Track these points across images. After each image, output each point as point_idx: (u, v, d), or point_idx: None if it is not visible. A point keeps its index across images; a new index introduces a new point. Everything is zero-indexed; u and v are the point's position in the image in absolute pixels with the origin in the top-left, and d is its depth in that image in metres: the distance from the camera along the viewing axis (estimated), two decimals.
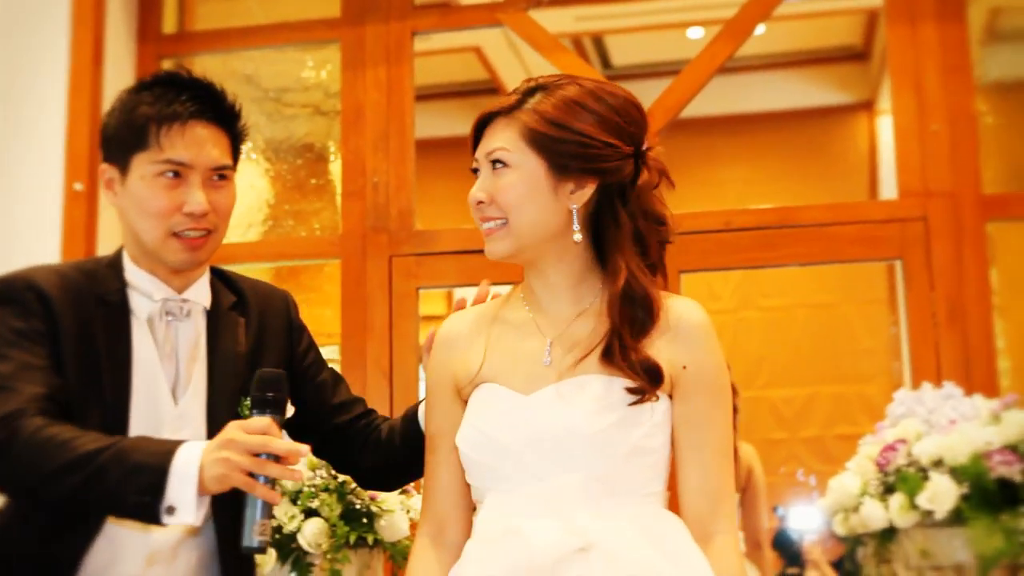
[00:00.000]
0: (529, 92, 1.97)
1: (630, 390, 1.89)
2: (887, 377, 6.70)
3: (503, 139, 1.95)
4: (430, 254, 4.15)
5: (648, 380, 1.89)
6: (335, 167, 4.47)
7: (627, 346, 1.91)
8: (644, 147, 1.98)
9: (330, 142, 4.55)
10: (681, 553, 1.85)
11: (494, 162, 1.95)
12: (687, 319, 1.97)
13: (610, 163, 1.94)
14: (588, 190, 1.95)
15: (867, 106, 7.38)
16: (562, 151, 1.92)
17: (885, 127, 6.85)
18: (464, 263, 4.05)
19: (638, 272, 1.96)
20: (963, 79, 3.98)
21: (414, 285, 4.15)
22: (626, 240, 1.96)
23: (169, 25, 4.61)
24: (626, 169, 1.95)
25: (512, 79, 6.92)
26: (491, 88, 7.11)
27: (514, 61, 6.75)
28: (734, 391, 4.64)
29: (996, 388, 3.64)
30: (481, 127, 2.00)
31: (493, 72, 6.90)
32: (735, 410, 4.66)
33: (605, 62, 7.35)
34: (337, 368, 4.14)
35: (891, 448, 2.87)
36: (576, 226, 1.95)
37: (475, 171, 2.00)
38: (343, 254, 4.23)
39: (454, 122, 7.12)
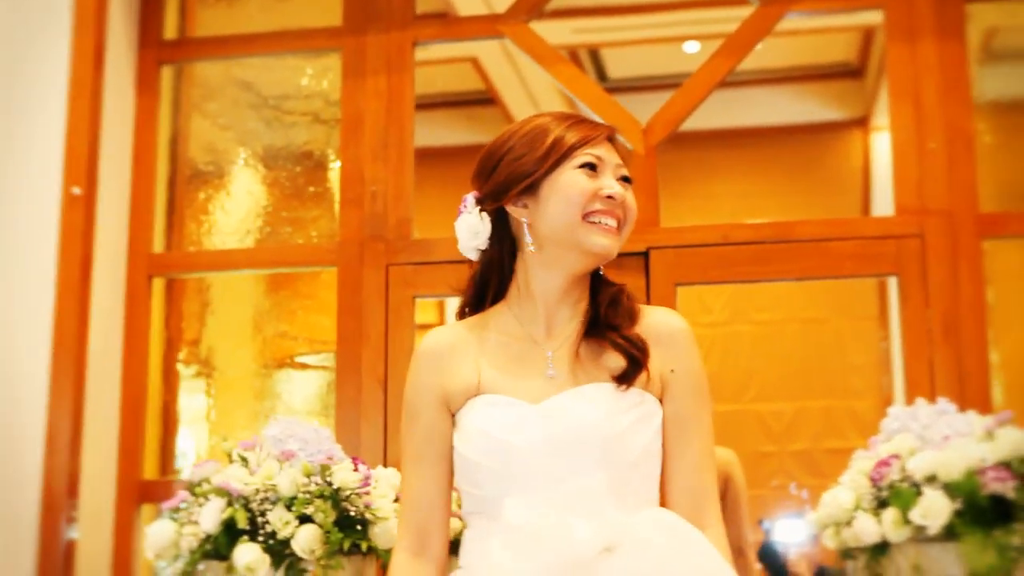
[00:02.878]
0: None
1: (618, 377, 1.97)
2: (877, 392, 6.74)
3: (622, 161, 2.09)
4: (427, 263, 4.15)
5: (637, 350, 1.99)
6: (334, 175, 4.48)
7: (612, 324, 2.03)
8: None
9: (329, 150, 4.56)
10: (701, 547, 1.89)
11: (624, 177, 2.08)
12: (669, 325, 2.08)
13: None
14: None
15: (862, 122, 7.41)
16: None
17: (879, 143, 6.89)
18: (461, 273, 4.04)
19: (626, 287, 2.11)
20: (961, 97, 4.00)
21: (411, 294, 4.16)
22: None
23: (170, 31, 4.61)
24: None
25: (508, 90, 6.95)
26: (487, 99, 7.13)
27: (510, 72, 6.77)
28: None
29: (990, 405, 3.66)
30: (595, 134, 2.07)
31: (489, 83, 6.92)
32: None
33: (601, 75, 7.39)
34: (332, 376, 4.20)
35: (885, 463, 2.89)
36: None
37: (591, 167, 2.04)
38: (340, 262, 4.24)
39: (451, 131, 7.18)
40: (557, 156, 2.02)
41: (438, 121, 7.10)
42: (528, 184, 2.03)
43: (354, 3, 4.46)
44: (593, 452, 1.92)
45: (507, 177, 2.04)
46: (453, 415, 2.05)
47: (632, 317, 2.06)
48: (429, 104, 6.93)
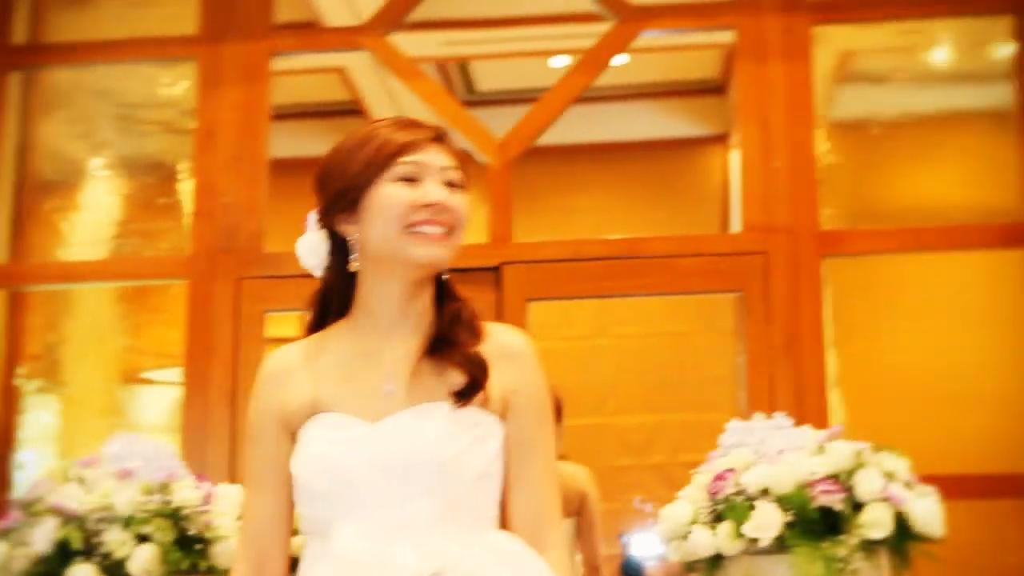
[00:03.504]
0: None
1: (457, 393, 1.93)
2: (733, 405, 6.81)
3: (453, 163, 2.01)
4: (279, 277, 4.11)
5: (477, 368, 1.95)
6: (186, 186, 4.41)
7: (454, 340, 1.99)
8: None
9: (182, 161, 4.48)
10: (530, 570, 1.89)
11: (452, 181, 2.01)
12: (512, 345, 2.05)
13: None
14: None
15: (722, 139, 7.52)
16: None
17: (737, 161, 7.00)
18: (312, 287, 4.02)
19: (470, 302, 2.07)
20: (805, 118, 4.10)
21: (261, 308, 4.11)
22: None
23: (19, 35, 4.50)
24: None
25: (376, 102, 6.91)
26: (354, 110, 7.08)
27: (377, 83, 6.74)
28: (558, 412, 4.67)
29: (826, 419, 3.75)
30: (414, 140, 2.01)
31: (357, 94, 6.88)
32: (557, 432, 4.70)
33: (469, 87, 7.40)
34: (181, 391, 4.14)
35: (721, 477, 2.95)
36: None
37: (410, 178, 1.98)
38: (191, 275, 4.18)
39: (317, 142, 7.08)
40: (374, 169, 1.97)
41: (303, 132, 7.02)
42: (349, 201, 2.01)
43: (211, 12, 4.40)
44: (426, 476, 1.89)
45: (333, 195, 2.02)
46: (295, 435, 2.04)
47: (475, 333, 2.03)
48: (293, 114, 6.87)
